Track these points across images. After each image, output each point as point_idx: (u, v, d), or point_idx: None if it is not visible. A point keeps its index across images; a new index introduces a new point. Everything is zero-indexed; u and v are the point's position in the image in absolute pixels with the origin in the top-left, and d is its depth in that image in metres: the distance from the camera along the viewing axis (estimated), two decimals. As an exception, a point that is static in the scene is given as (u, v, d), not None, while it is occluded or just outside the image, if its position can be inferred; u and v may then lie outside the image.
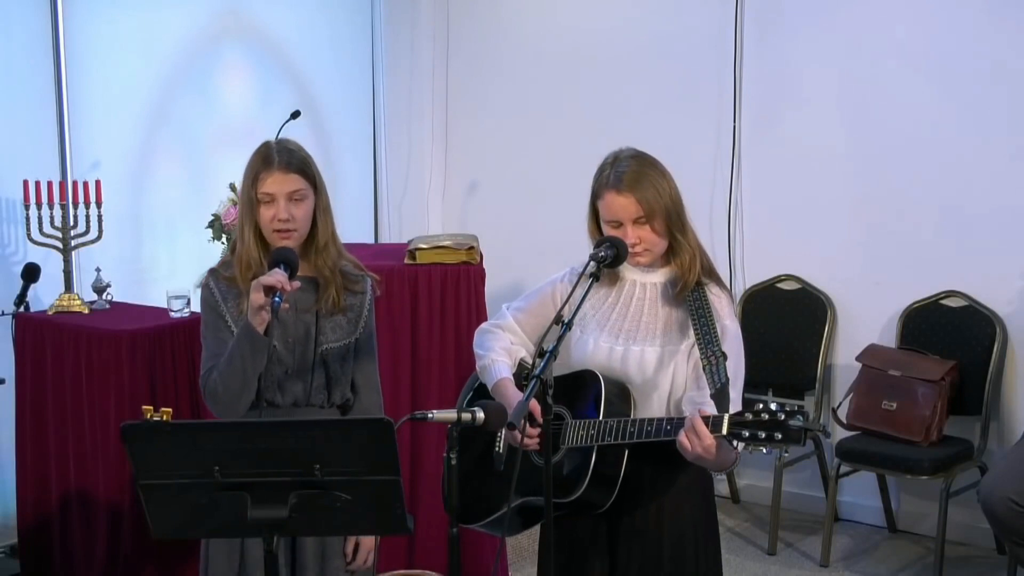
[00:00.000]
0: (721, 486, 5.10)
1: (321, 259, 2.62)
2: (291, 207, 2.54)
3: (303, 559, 2.63)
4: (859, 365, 4.53)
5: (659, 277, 2.59)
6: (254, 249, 2.57)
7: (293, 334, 2.60)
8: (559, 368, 2.61)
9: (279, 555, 2.55)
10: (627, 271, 2.60)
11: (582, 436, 2.47)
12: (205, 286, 2.64)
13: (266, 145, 2.61)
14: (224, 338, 2.55)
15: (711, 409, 2.30)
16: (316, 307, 2.62)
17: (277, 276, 2.38)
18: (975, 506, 3.95)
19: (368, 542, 2.72)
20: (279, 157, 2.56)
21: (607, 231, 2.53)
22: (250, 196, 2.56)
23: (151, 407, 2.10)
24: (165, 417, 2.07)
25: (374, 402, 2.73)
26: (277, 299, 2.34)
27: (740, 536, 4.74)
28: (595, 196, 2.56)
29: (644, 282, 2.59)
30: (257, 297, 2.38)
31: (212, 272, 2.66)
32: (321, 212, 2.62)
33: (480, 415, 2.18)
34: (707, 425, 2.26)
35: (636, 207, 2.48)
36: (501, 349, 2.66)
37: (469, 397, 2.79)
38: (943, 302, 4.54)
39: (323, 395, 2.64)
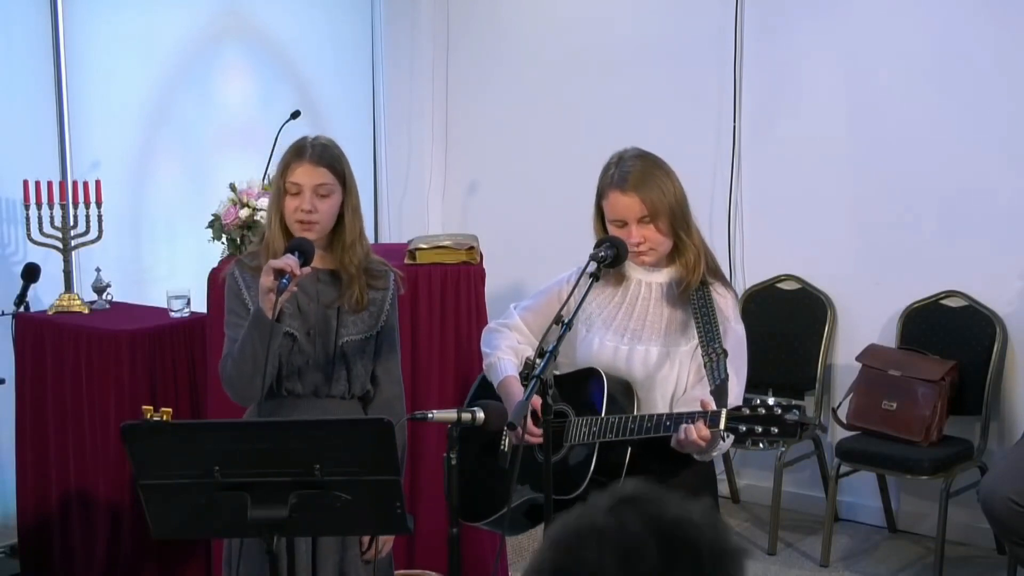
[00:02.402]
0: (721, 486, 5.08)
1: (347, 257, 2.66)
2: (316, 200, 2.59)
3: (323, 549, 2.66)
4: (859, 365, 4.52)
5: (664, 277, 2.60)
6: (278, 238, 2.62)
7: (314, 325, 2.64)
8: (566, 366, 2.62)
9: (301, 545, 2.59)
10: (632, 270, 2.61)
11: (584, 433, 2.48)
12: (230, 274, 2.69)
13: (303, 139, 2.68)
14: (243, 324, 2.58)
15: (713, 403, 2.32)
16: (339, 303, 2.66)
17: (287, 260, 2.42)
18: (975, 506, 3.95)
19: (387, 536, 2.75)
20: (312, 150, 2.62)
21: (612, 230, 2.54)
22: (279, 185, 2.63)
23: (151, 407, 2.10)
24: (165, 417, 2.08)
25: (395, 394, 2.77)
26: (284, 281, 2.38)
27: (740, 536, 4.74)
28: (600, 195, 2.57)
29: (649, 281, 2.60)
30: (266, 280, 2.42)
31: (238, 262, 2.72)
32: (350, 211, 2.66)
33: (480, 415, 2.19)
34: (705, 419, 2.28)
35: (640, 206, 2.49)
36: (507, 348, 2.68)
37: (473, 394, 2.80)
38: (943, 302, 4.54)
39: (343, 386, 2.67)
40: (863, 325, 4.73)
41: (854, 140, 4.75)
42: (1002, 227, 4.43)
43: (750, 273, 5.04)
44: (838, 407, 4.61)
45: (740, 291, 4.98)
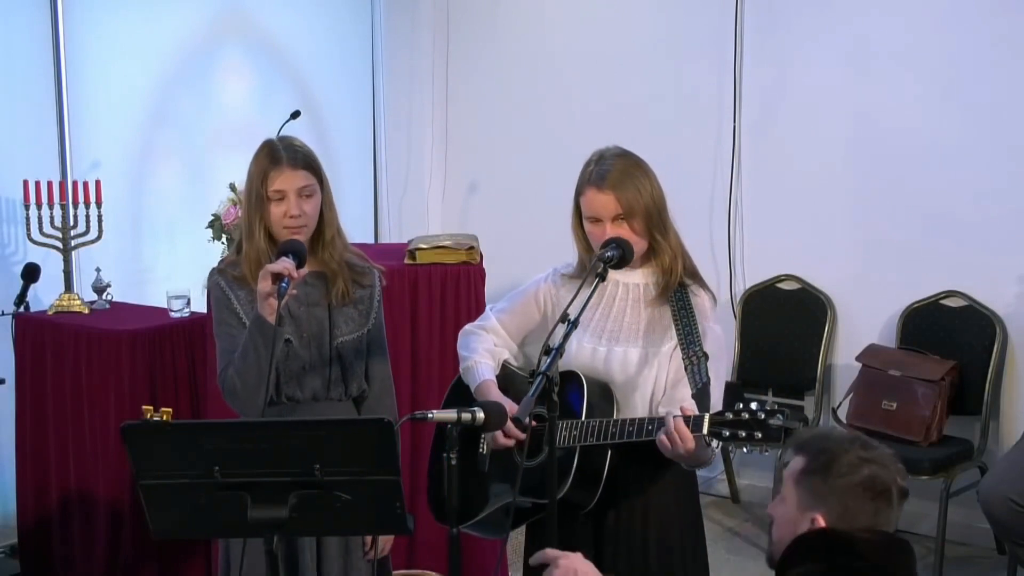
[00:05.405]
0: (721, 486, 5.10)
1: (328, 253, 2.65)
2: (301, 203, 2.57)
3: (328, 552, 2.66)
4: (859, 365, 4.52)
5: (641, 278, 2.58)
6: (264, 246, 2.59)
7: (308, 329, 2.63)
8: None
9: (306, 548, 2.60)
10: (609, 272, 2.59)
11: (565, 437, 2.46)
12: (214, 284, 2.66)
13: (270, 143, 2.63)
14: (236, 334, 2.56)
15: (694, 408, 2.32)
16: (327, 300, 2.64)
17: (283, 263, 2.40)
18: (975, 506, 3.95)
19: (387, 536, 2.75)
20: (287, 154, 2.58)
21: (587, 227, 2.54)
22: (260, 194, 2.58)
23: (151, 407, 2.10)
24: (165, 417, 2.08)
25: (387, 391, 2.77)
26: (284, 284, 2.36)
27: (740, 536, 4.74)
28: (578, 192, 2.56)
29: (627, 283, 2.59)
30: (264, 285, 2.40)
31: (219, 271, 2.68)
32: (327, 207, 2.65)
33: (480, 415, 2.18)
34: (688, 424, 2.28)
35: (615, 205, 2.48)
36: (484, 351, 2.66)
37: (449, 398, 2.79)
38: (943, 302, 4.54)
39: (340, 388, 2.67)
40: (863, 325, 4.73)
41: (854, 140, 4.75)
42: (1002, 227, 4.43)
43: (750, 273, 5.04)
44: (838, 407, 4.61)
45: (740, 291, 4.99)
